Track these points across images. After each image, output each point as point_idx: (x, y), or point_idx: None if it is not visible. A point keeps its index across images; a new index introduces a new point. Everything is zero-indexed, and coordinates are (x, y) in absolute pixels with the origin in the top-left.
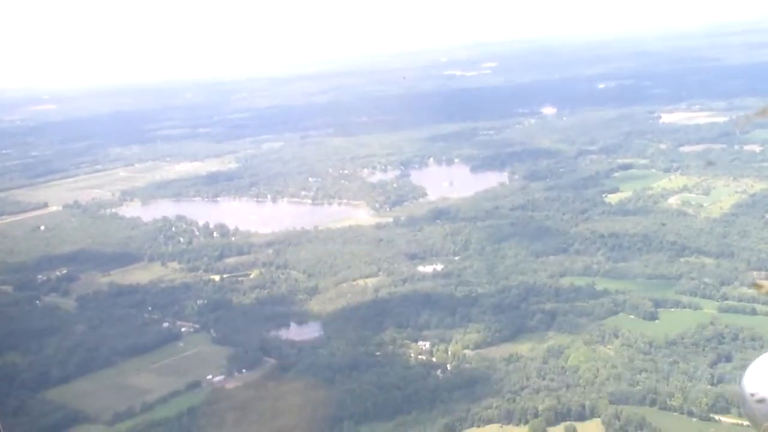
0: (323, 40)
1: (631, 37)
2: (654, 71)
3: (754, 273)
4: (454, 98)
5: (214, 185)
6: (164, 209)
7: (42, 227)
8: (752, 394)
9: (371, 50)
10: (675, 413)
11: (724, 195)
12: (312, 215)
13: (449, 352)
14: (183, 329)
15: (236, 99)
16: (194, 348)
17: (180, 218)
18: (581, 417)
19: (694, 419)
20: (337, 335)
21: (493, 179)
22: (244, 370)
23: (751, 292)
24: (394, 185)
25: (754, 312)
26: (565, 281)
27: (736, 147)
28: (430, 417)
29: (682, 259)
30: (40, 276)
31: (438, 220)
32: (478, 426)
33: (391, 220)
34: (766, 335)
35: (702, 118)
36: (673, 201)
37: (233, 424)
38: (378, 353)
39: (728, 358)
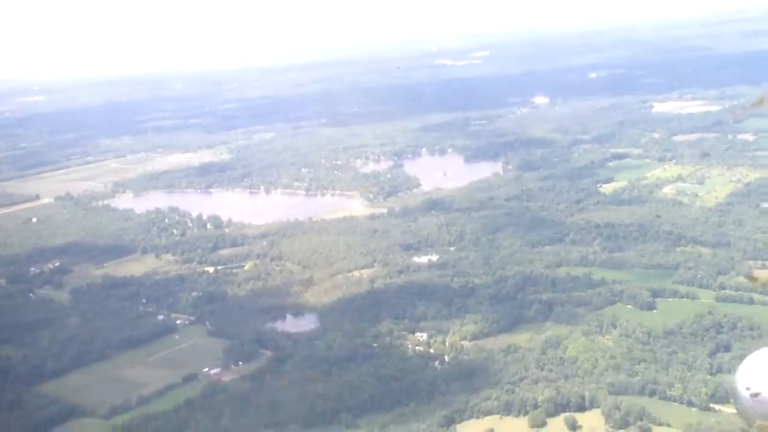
0: (313, 31)
1: (621, 27)
2: (645, 60)
3: (751, 262)
4: (445, 88)
5: (207, 176)
6: (157, 201)
7: (34, 219)
8: (747, 388)
9: (361, 40)
10: (675, 403)
11: (719, 184)
12: (305, 206)
13: (447, 344)
14: (178, 321)
15: (227, 90)
16: (190, 340)
17: (173, 210)
18: (581, 408)
19: (694, 409)
20: (333, 327)
21: (486, 169)
22: (240, 363)
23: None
24: (388, 176)
25: (751, 301)
26: (562, 271)
27: (730, 136)
28: (428, 409)
29: (678, 249)
30: (33, 268)
31: (432, 211)
32: (478, 418)
33: (385, 210)
34: (764, 324)
35: (695, 107)
36: (667, 190)
37: (231, 417)
38: (375, 345)
39: (727, 348)
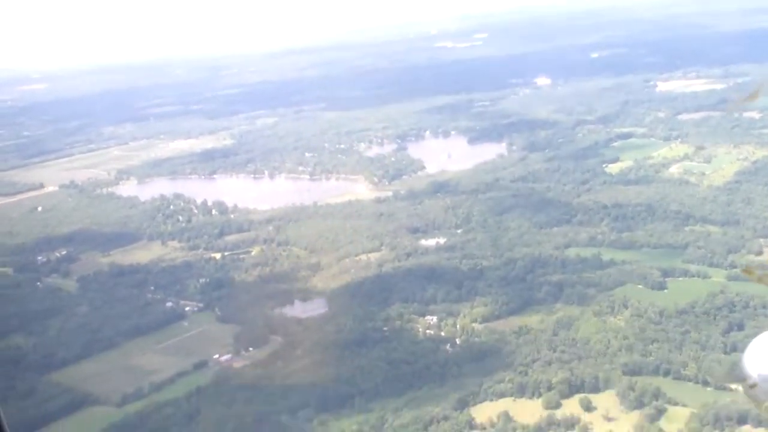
0: (312, 15)
1: (622, 6)
2: (647, 39)
3: (761, 240)
4: (446, 70)
5: (210, 162)
6: (161, 187)
7: (39, 208)
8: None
9: (360, 24)
10: (690, 383)
11: (726, 163)
12: (310, 191)
13: (457, 326)
14: (187, 308)
15: (227, 75)
16: (199, 327)
17: (177, 196)
18: (595, 389)
19: (709, 388)
20: (342, 311)
21: (491, 151)
22: (250, 349)
23: (760, 259)
24: (392, 159)
25: None
26: (571, 252)
27: (736, 114)
28: (441, 392)
29: (687, 228)
30: (40, 257)
31: (438, 193)
32: (491, 400)
33: (390, 194)
34: None
35: (699, 85)
36: (674, 170)
37: (243, 403)
38: (385, 329)
39: (740, 327)
